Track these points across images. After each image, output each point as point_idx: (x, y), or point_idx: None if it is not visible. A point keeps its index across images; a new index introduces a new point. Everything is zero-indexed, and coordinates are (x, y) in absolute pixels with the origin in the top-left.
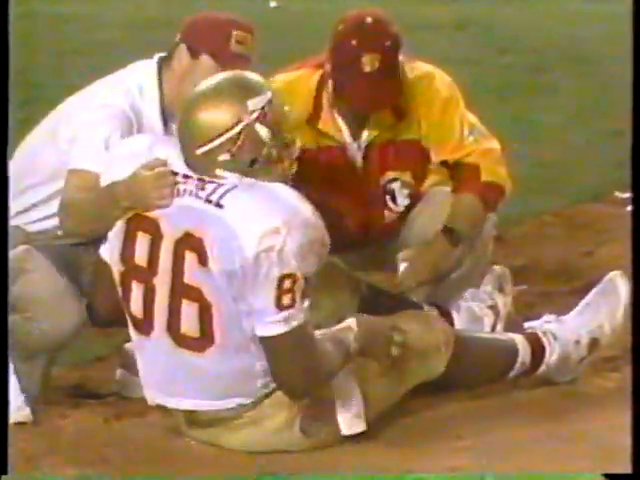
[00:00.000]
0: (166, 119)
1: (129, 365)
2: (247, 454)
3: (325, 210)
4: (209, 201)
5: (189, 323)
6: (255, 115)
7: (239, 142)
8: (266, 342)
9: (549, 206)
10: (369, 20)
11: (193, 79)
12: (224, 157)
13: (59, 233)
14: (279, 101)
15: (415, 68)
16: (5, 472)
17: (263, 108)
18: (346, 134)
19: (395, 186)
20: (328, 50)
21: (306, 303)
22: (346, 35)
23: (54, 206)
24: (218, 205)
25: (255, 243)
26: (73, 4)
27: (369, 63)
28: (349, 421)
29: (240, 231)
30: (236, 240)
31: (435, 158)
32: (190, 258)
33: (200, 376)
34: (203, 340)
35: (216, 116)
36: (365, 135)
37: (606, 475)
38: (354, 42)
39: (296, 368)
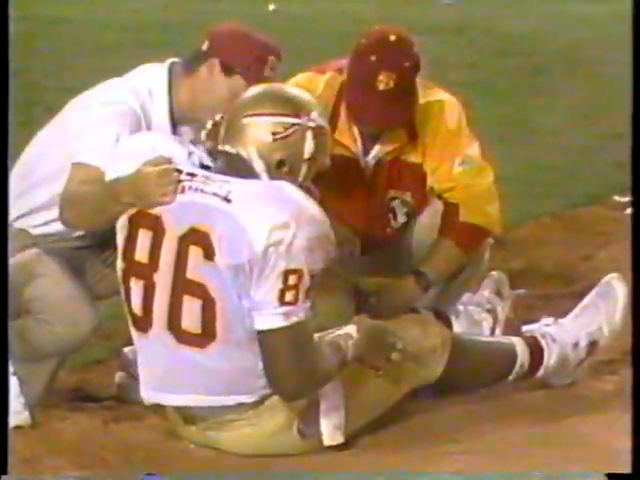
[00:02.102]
0: (175, 124)
1: (128, 368)
2: (245, 456)
3: (330, 216)
4: (216, 195)
5: (191, 319)
6: (312, 124)
7: (287, 134)
8: (263, 336)
9: (548, 209)
10: (392, 38)
11: (219, 94)
12: (266, 138)
13: (64, 237)
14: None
15: (428, 94)
16: (5, 474)
17: (321, 128)
18: (359, 147)
19: (395, 204)
20: (348, 60)
21: (308, 303)
22: (366, 50)
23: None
24: (226, 199)
25: (264, 237)
26: (72, 7)
27: (384, 81)
28: (331, 432)
29: (249, 225)
30: (245, 234)
31: (427, 184)
32: (195, 253)
33: (201, 372)
34: (205, 336)
35: (281, 100)
36: (376, 150)
37: (606, 475)
38: (373, 58)
39: (291, 367)
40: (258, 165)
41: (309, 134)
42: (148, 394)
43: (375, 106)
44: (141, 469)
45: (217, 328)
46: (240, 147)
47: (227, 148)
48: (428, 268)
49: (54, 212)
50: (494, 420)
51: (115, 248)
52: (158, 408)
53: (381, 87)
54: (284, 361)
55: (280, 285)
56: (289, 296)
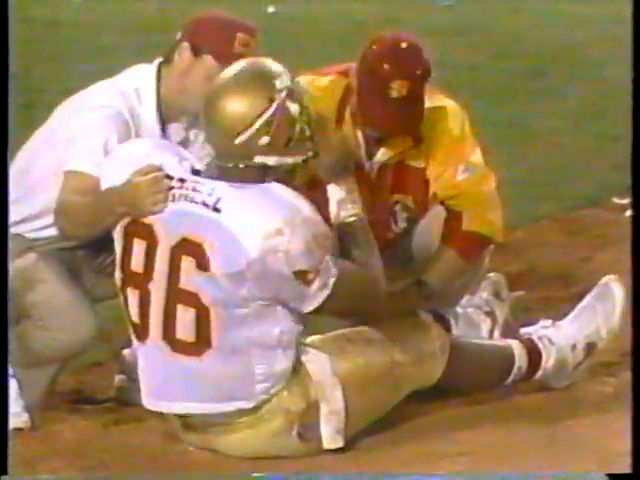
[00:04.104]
0: (164, 123)
1: (127, 371)
2: (244, 459)
3: None
4: (205, 205)
5: (185, 328)
6: (284, 93)
7: (275, 122)
8: (321, 311)
9: (547, 211)
10: (404, 45)
11: (194, 77)
12: (264, 140)
13: (60, 239)
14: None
15: (433, 99)
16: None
17: (290, 84)
18: (363, 151)
19: (397, 209)
20: (357, 66)
21: (327, 257)
22: (379, 58)
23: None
24: (215, 209)
25: (258, 244)
26: (72, 9)
27: (397, 89)
28: (331, 435)
29: (241, 235)
30: (238, 243)
31: (430, 190)
32: (187, 263)
33: (198, 379)
34: (199, 345)
35: (249, 101)
36: (380, 154)
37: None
38: (386, 66)
39: (365, 299)
40: (271, 160)
41: (288, 102)
42: (148, 401)
43: (388, 113)
44: (140, 471)
45: (212, 336)
46: (246, 161)
47: (231, 165)
48: (430, 277)
49: (48, 219)
50: (494, 422)
51: (111, 251)
52: (158, 412)
53: (394, 95)
54: (358, 302)
55: (297, 280)
56: (311, 275)
